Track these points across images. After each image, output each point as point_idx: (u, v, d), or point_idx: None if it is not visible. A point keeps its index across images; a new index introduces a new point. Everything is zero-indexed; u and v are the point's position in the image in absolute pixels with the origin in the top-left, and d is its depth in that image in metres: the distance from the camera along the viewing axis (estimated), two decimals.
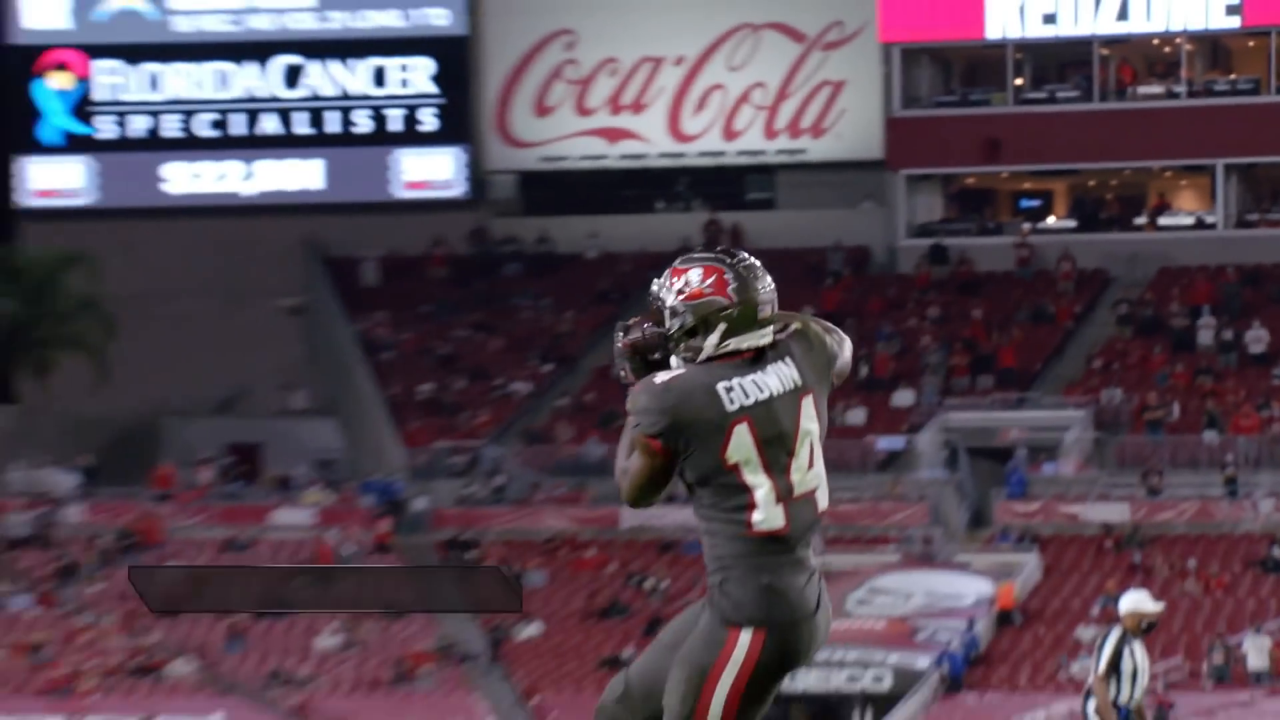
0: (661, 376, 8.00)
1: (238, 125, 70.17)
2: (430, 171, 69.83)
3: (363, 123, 69.92)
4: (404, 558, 55.71)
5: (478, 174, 69.83)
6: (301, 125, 70.01)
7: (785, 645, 8.01)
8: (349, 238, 68.36)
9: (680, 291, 8.10)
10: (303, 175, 69.87)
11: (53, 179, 70.22)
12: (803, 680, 49.60)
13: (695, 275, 8.09)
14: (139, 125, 70.41)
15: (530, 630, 52.74)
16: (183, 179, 70.11)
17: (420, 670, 51.15)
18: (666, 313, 8.12)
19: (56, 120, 70.34)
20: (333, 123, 69.94)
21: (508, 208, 70.23)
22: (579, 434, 61.00)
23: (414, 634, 52.47)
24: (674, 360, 8.12)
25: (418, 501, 57.84)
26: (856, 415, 60.92)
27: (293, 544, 55.61)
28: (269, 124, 70.08)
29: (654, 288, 8.16)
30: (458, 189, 69.73)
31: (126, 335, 63.87)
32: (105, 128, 70.49)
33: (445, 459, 59.56)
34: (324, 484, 59.48)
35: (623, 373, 8.21)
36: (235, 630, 52.01)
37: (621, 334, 8.21)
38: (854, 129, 68.20)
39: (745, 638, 7.97)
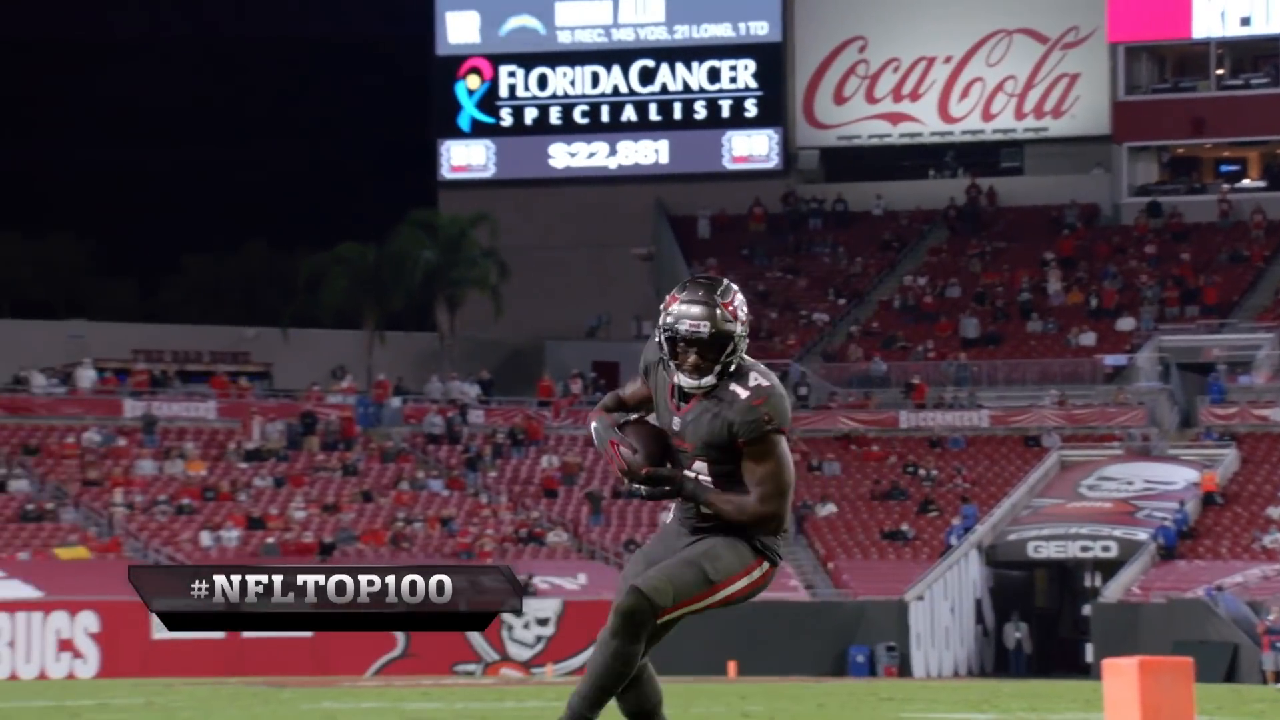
0: (762, 382, 7.59)
1: (605, 115, 69.32)
2: (752, 148, 68.64)
3: (700, 111, 68.94)
4: None
5: (789, 149, 68.58)
6: (653, 114, 69.07)
7: (769, 582, 7.76)
8: (688, 200, 67.75)
9: (742, 321, 7.61)
10: (653, 152, 68.94)
11: (464, 157, 69.88)
12: (1044, 550, 48.30)
13: (739, 300, 7.63)
14: (530, 115, 69.73)
15: (827, 509, 51.16)
16: (562, 156, 69.45)
17: None
18: (733, 339, 7.56)
19: (469, 112, 69.91)
20: (676, 111, 69.00)
21: (812, 176, 68.78)
22: (866, 353, 59.48)
23: None
24: (686, 379, 7.57)
25: None
26: (1088, 338, 58.95)
27: None
28: (628, 113, 69.23)
29: (698, 325, 7.53)
30: (773, 161, 68.51)
31: (517, 277, 63.71)
32: (505, 117, 69.89)
33: None
34: None
35: (642, 490, 7.66)
36: (598, 507, 50.84)
37: (627, 471, 7.65)
38: (1086, 111, 66.39)
39: (764, 568, 7.67)
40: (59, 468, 48.70)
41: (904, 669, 44.04)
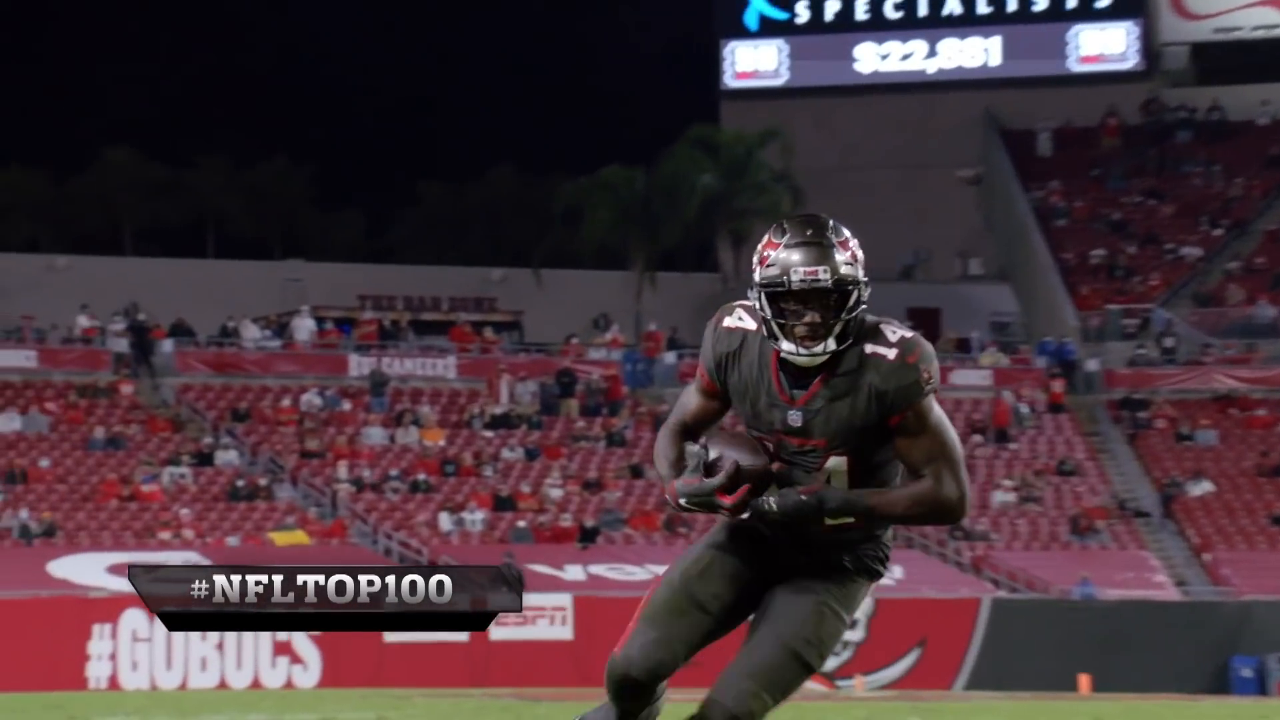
0: (904, 333, 7.28)
1: (923, 7, 68.85)
2: (1104, 45, 67.77)
3: (1040, 1, 68.08)
4: (1077, 417, 53.39)
5: (1151, 46, 67.60)
6: (982, 5, 68.38)
7: None
8: (1024, 110, 67.01)
9: (863, 265, 7.31)
10: (982, 52, 68.35)
11: (752, 61, 69.84)
12: None
13: (856, 242, 7.35)
14: (831, 9, 69.44)
15: (1202, 488, 49.87)
16: (871, 59, 69.17)
17: (1095, 525, 48.54)
18: (857, 288, 7.23)
19: (757, 7, 70.01)
20: (1011, 2, 68.21)
21: (1180, 78, 67.85)
22: (1249, 296, 58.21)
23: (1088, 490, 49.97)
24: (800, 349, 7.19)
25: (1090, 362, 55.49)
26: None
27: (969, 402, 53.48)
28: (952, 4, 68.69)
29: (816, 271, 7.16)
30: (1131, 61, 67.66)
31: (814, 206, 62.87)
32: (801, 12, 69.74)
33: (1117, 321, 57.20)
34: (999, 346, 57.52)
35: (772, 505, 7.35)
36: None
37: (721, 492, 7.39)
38: None
39: (870, 587, 7.75)
40: (273, 436, 49.23)
41: None
